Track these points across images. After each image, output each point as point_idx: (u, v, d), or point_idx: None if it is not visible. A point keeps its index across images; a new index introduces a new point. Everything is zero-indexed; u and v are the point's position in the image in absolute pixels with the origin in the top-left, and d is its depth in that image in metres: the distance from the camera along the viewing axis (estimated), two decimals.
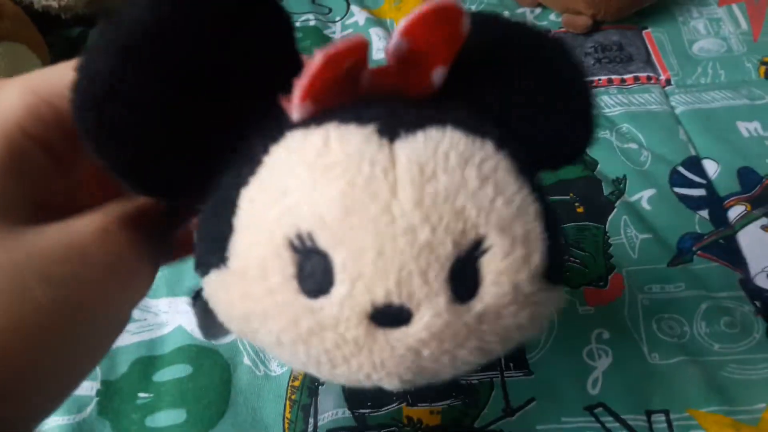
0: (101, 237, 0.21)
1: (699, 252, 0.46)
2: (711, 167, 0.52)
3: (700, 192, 0.50)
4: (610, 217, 0.49)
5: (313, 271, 0.18)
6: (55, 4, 0.61)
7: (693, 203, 0.50)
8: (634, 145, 0.54)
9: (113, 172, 0.20)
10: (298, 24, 0.66)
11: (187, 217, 0.26)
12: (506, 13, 0.67)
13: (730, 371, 0.40)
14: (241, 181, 0.20)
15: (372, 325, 0.19)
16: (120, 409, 0.41)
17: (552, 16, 0.67)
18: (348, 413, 0.40)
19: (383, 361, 0.19)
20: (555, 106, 0.23)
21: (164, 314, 0.45)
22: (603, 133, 0.54)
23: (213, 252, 0.20)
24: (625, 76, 0.60)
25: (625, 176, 0.51)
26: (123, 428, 0.40)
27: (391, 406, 0.40)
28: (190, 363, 0.42)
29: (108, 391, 0.42)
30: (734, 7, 0.66)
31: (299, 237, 0.18)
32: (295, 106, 0.19)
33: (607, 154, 0.53)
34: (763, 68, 0.60)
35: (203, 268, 0.21)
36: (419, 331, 0.19)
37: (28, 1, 0.60)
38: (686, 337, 0.42)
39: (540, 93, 0.23)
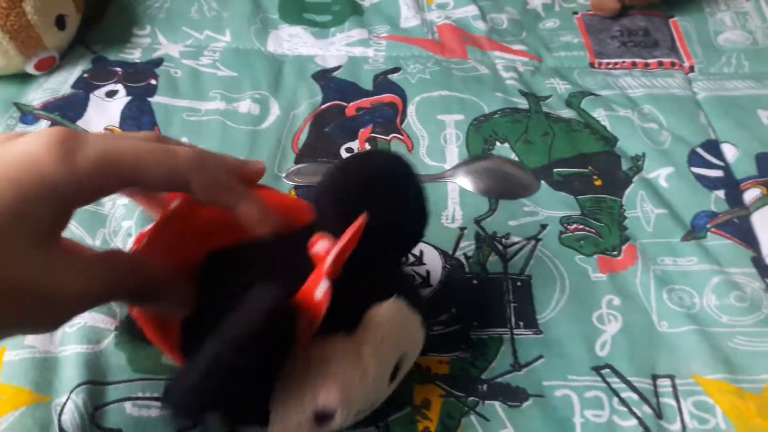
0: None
1: (713, 229, 0.47)
2: (730, 151, 0.53)
3: (717, 173, 0.51)
4: (627, 191, 0.49)
5: None
6: None
7: (710, 183, 0.50)
8: (654, 125, 0.54)
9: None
10: None
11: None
12: None
13: (736, 342, 0.41)
14: None
15: None
16: (137, 344, 0.42)
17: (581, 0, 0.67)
18: None
19: None
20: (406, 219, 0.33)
21: None
22: (625, 112, 0.55)
23: None
24: (649, 61, 0.61)
25: (644, 154, 0.52)
26: (138, 361, 0.41)
27: None
28: None
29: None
30: (762, 1, 0.67)
31: None
32: None
33: (627, 132, 0.54)
34: None
35: None
36: None
37: None
38: (696, 308, 0.43)
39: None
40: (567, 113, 0.55)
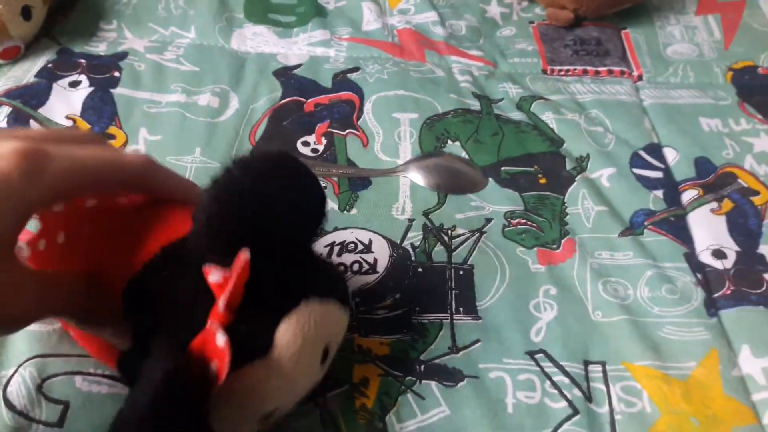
0: None
1: (650, 226, 0.49)
2: (670, 154, 0.55)
3: (657, 174, 0.53)
4: (570, 189, 0.51)
5: None
6: None
7: (649, 183, 0.52)
8: (600, 129, 0.56)
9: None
10: None
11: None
12: (495, 6, 0.70)
13: (666, 332, 0.43)
14: None
15: None
16: None
17: (537, 10, 0.70)
18: None
19: None
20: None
21: None
22: (572, 116, 0.57)
23: None
24: (599, 68, 0.63)
25: (588, 155, 0.54)
26: None
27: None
28: None
29: None
30: (710, 17, 0.70)
31: None
32: None
33: (574, 134, 0.56)
34: (729, 74, 0.63)
35: None
36: None
37: None
38: (629, 300, 0.44)
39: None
40: (517, 115, 0.57)
